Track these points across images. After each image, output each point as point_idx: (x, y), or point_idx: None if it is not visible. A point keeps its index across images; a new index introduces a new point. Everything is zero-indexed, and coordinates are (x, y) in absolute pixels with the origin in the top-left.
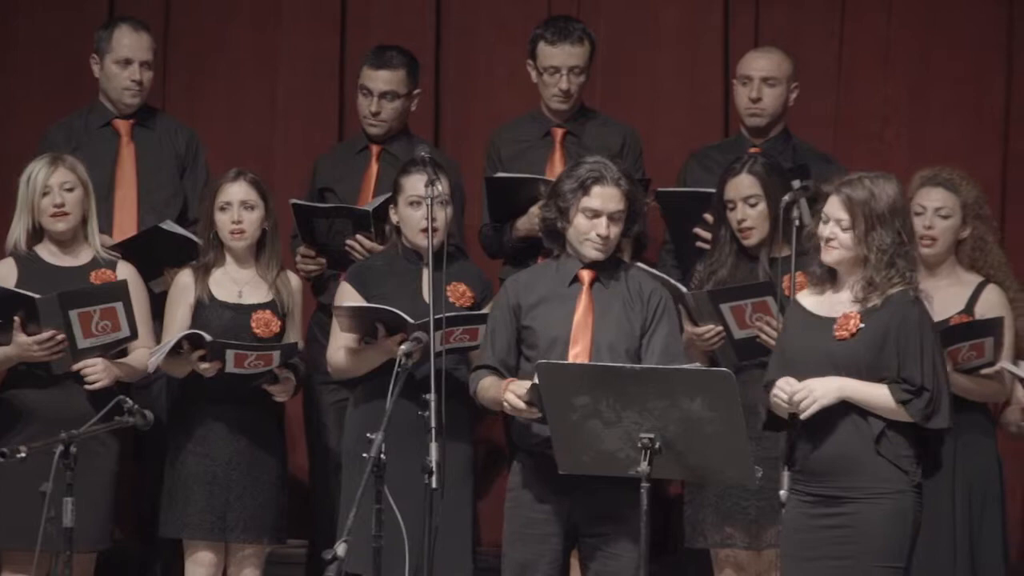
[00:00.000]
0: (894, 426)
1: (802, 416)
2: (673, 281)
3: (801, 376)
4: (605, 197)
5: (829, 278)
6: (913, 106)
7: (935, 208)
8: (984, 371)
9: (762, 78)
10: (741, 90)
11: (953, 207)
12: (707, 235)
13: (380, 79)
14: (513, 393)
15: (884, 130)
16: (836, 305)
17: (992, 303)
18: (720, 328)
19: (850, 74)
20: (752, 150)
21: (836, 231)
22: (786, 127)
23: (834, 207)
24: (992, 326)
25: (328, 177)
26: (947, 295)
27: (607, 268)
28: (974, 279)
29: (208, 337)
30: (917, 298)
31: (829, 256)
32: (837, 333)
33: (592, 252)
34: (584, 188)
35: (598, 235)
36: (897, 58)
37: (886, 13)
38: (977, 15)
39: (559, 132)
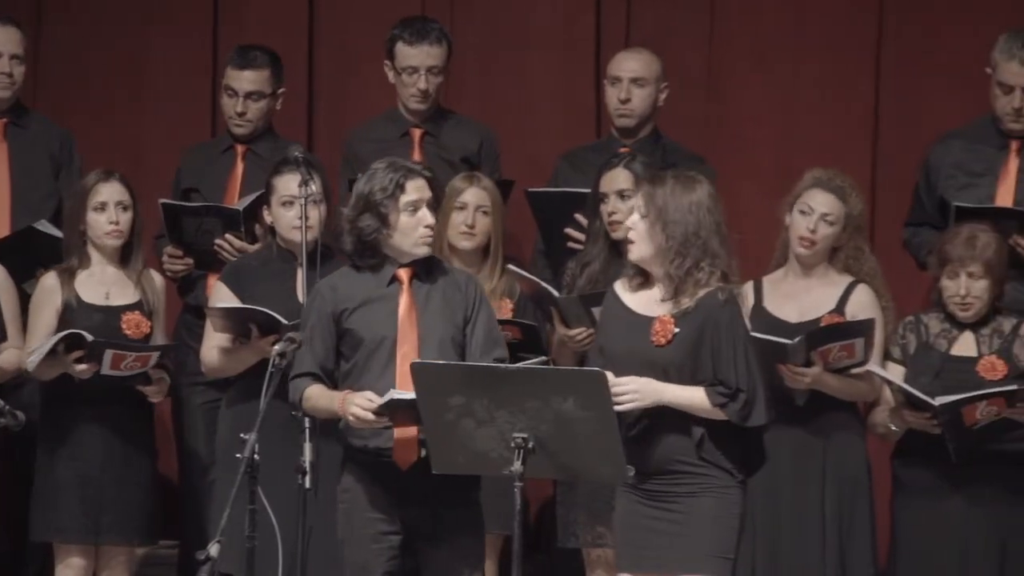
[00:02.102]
0: (715, 428)
1: (618, 409)
2: (544, 284)
3: (621, 373)
4: (420, 188)
5: (641, 274)
6: (783, 107)
7: (823, 213)
8: (854, 371)
9: (631, 79)
10: (611, 91)
11: (839, 216)
12: (579, 236)
13: (245, 79)
14: (359, 407)
15: (754, 131)
16: (651, 303)
17: (863, 303)
18: (591, 330)
19: (720, 75)
20: (622, 150)
21: (635, 220)
22: (656, 127)
23: (639, 201)
24: (863, 327)
25: (193, 177)
26: (818, 294)
27: (423, 265)
28: (845, 279)
29: (90, 337)
30: (728, 299)
31: (632, 253)
32: (654, 339)
33: (423, 248)
34: (400, 187)
35: (426, 226)
36: (767, 59)
37: (756, 14)
38: (846, 16)
39: (417, 132)
